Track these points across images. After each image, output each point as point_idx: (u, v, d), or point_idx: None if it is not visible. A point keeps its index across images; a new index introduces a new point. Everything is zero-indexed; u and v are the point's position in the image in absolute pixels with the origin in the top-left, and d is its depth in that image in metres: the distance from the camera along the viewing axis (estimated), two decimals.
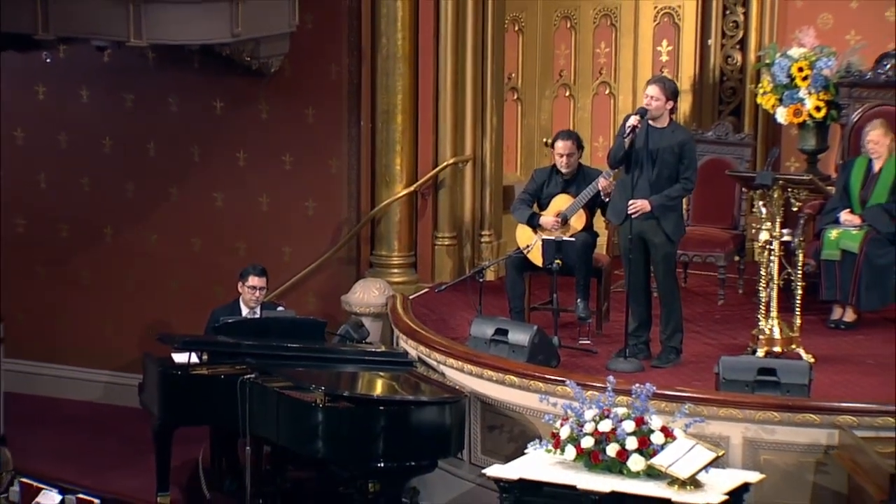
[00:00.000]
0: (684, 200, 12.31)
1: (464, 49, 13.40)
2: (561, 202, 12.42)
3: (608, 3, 14.61)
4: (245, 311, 12.45)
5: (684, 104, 14.35)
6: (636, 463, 10.04)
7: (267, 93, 13.77)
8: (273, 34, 13.31)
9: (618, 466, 10.10)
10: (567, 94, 14.66)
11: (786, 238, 11.66)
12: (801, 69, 13.54)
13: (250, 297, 12.47)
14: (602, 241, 13.16)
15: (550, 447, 10.38)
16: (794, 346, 11.62)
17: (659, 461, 9.97)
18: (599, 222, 12.80)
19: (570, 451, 10.23)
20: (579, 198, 12.34)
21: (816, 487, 10.63)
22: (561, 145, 12.52)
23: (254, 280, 12.51)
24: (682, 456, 9.96)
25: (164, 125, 14.04)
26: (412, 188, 13.46)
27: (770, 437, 10.70)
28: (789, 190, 11.66)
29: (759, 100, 13.95)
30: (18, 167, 14.48)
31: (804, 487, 10.65)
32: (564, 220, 12.37)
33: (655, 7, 14.61)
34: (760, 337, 11.63)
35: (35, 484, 10.15)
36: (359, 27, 13.44)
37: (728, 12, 14.45)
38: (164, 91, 14.01)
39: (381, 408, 10.90)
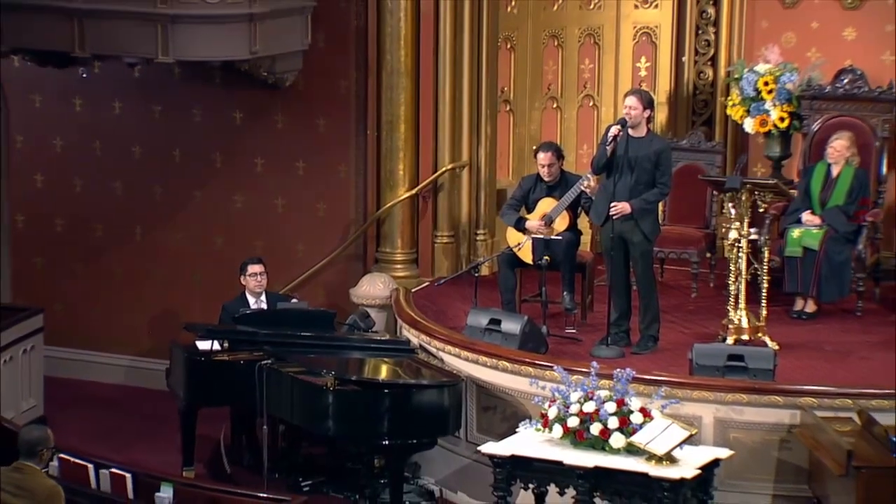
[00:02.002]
0: (661, 202, 12.33)
1: (461, 65, 13.40)
2: (546, 205, 12.42)
3: (592, 23, 14.61)
4: (252, 300, 12.45)
5: (661, 115, 14.36)
6: (617, 440, 10.05)
7: (282, 105, 13.76)
8: (287, 52, 13.31)
9: (601, 444, 10.10)
10: (555, 105, 14.66)
11: (753, 236, 11.67)
12: (766, 83, 13.55)
13: (255, 285, 12.47)
14: (586, 239, 13.18)
15: (539, 426, 10.39)
16: (760, 335, 11.63)
17: (638, 439, 9.98)
18: (584, 222, 12.82)
19: (558, 430, 10.23)
20: (562, 201, 12.35)
21: (780, 463, 10.64)
22: (542, 157, 12.53)
23: (253, 268, 12.54)
24: (658, 434, 9.96)
25: (189, 134, 14.03)
26: (414, 191, 13.46)
27: (738, 417, 10.70)
28: (756, 193, 11.67)
29: (728, 111, 13.96)
30: (57, 172, 14.48)
31: (769, 463, 10.66)
32: (549, 222, 12.38)
33: (635, 27, 14.61)
34: (730, 326, 11.63)
35: (72, 459, 10.14)
36: (365, 45, 13.44)
37: (700, 32, 14.45)
38: (188, 103, 14.00)
39: (386, 390, 10.90)
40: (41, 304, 13.72)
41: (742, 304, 11.60)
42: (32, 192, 14.60)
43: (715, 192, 13.16)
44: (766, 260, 11.84)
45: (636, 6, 14.63)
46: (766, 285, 11.79)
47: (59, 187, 14.50)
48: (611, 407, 10.12)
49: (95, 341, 14.59)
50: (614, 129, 11.54)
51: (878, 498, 9.43)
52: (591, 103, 14.70)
